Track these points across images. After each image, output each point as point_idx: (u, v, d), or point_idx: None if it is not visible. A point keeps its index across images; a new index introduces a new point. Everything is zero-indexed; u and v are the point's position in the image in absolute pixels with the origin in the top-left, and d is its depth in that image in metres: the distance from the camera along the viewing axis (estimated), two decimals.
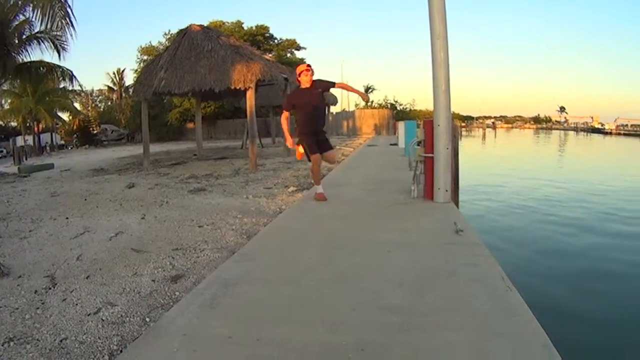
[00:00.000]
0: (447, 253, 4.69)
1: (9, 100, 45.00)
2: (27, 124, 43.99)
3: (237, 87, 15.20)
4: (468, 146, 46.12)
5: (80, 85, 45.49)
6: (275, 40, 51.35)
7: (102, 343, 3.35)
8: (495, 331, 3.02)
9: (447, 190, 7.26)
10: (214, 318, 3.31)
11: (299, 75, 7.97)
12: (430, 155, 7.29)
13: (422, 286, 3.80)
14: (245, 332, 3.06)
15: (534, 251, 9.84)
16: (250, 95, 15.29)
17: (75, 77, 22.41)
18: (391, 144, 22.32)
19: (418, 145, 7.82)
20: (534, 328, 3.06)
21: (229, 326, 3.15)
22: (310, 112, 8.05)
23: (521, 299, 3.46)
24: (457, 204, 8.35)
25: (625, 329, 6.47)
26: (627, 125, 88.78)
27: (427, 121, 7.63)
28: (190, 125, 42.66)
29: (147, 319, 3.70)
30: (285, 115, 8.28)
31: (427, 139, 7.40)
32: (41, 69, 21.94)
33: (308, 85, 7.92)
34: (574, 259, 9.38)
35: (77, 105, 50.18)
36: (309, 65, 8.05)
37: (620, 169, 26.27)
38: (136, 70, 44.20)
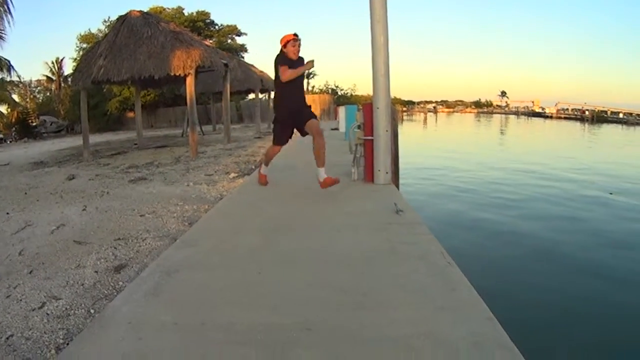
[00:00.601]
0: (388, 233, 4.81)
1: None
2: None
3: (177, 74, 14.98)
4: (409, 130, 46.68)
5: (19, 76, 44.03)
6: (216, 27, 50.70)
7: (48, 338, 3.32)
8: (438, 305, 3.13)
9: (387, 172, 7.39)
10: (159, 305, 3.31)
11: (285, 45, 7.10)
12: (370, 138, 7.40)
13: (364, 265, 3.89)
14: (190, 318, 3.07)
15: (471, 229, 10.13)
16: (190, 82, 15.11)
17: (13, 67, 21.67)
18: (332, 129, 22.43)
19: (358, 128, 7.91)
20: (475, 302, 3.18)
21: (173, 312, 3.16)
22: (300, 87, 7.47)
23: (461, 274, 3.59)
24: (397, 185, 8.51)
25: (558, 304, 6.81)
26: (567, 109, 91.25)
27: (366, 104, 7.71)
28: (130, 114, 41.75)
29: (92, 311, 3.69)
30: (286, 67, 6.93)
31: (367, 122, 7.50)
32: None
33: (295, 57, 7.14)
34: (509, 238, 9.72)
35: (15, 97, 48.51)
36: (295, 35, 7.17)
37: (556, 150, 27.03)
38: (75, 59, 42.97)
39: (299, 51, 7.16)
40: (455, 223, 10.78)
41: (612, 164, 23.27)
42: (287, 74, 6.84)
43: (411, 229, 4.93)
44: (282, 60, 7.00)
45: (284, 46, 7.11)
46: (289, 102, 7.28)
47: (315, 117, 7.34)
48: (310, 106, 7.64)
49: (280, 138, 7.58)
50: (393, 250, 4.22)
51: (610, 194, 14.57)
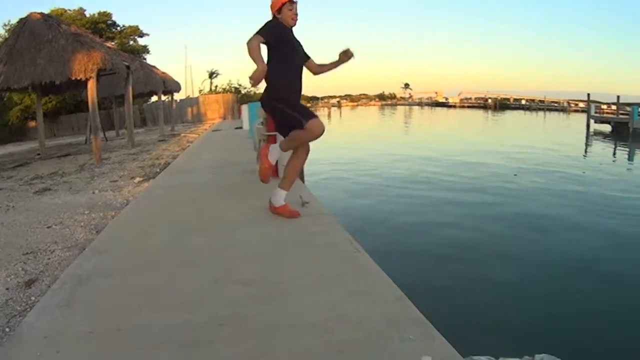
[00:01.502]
0: (295, 225, 4.92)
1: None
2: None
3: (78, 78, 14.46)
4: None
5: None
6: (118, 28, 49.43)
7: None
8: (350, 290, 3.25)
9: None
10: (73, 316, 3.26)
11: (280, 9, 5.18)
12: (273, 133, 7.44)
13: (274, 257, 3.99)
14: (105, 325, 3.06)
15: (382, 220, 10.35)
16: (91, 86, 14.66)
17: None
18: (236, 128, 22.41)
19: (261, 125, 7.93)
20: (385, 284, 3.32)
21: (88, 322, 3.13)
22: (299, 65, 5.42)
23: (370, 259, 3.73)
24: (302, 178, 8.60)
25: (468, 281, 7.27)
26: (470, 98, 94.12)
27: None
28: (32, 123, 40.13)
29: (7, 329, 3.60)
30: (259, 42, 4.75)
31: (269, 118, 7.54)
32: None
33: (293, 23, 5.28)
34: (419, 226, 10.04)
35: None
36: None
37: (460, 136, 27.87)
38: None
39: (297, 16, 5.24)
40: (365, 214, 10.96)
41: (513, 146, 24.34)
42: (255, 47, 4.67)
43: (318, 219, 5.06)
44: (273, 28, 5.01)
45: (278, 12, 5.19)
46: (291, 84, 5.28)
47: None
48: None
49: (305, 112, 5.14)
50: (301, 241, 4.32)
51: (515, 175, 15.21)
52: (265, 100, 5.28)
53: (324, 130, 4.90)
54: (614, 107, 44.64)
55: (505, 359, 4.71)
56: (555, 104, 73.52)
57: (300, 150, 5.23)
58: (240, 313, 3.05)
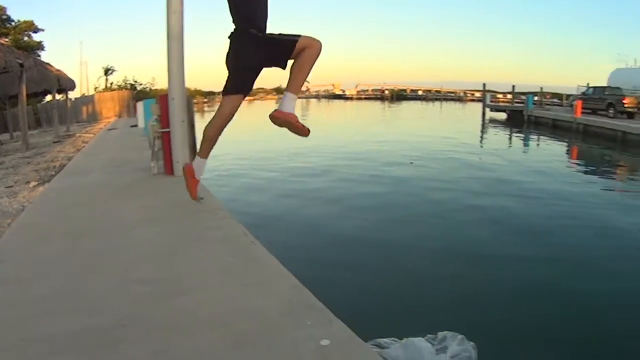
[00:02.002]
0: (191, 221, 4.95)
1: None
2: None
3: None
4: (207, 121, 46.31)
5: None
6: (12, 23, 46.85)
7: None
8: (247, 282, 3.30)
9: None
10: None
11: None
12: (167, 130, 7.35)
13: (171, 255, 4.01)
14: (8, 336, 2.97)
15: (274, 212, 10.35)
16: None
17: None
18: (132, 126, 21.83)
19: (155, 122, 7.81)
20: (282, 274, 3.40)
21: None
22: None
23: (266, 251, 3.79)
24: None
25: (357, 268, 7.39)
26: (367, 90, 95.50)
27: (162, 96, 7.66)
28: None
29: None
30: None
31: (163, 114, 7.44)
32: None
33: None
34: (317, 218, 10.11)
35: None
36: None
37: (356, 127, 28.28)
38: None
39: None
40: (263, 208, 10.88)
41: (410, 136, 25.00)
42: None
43: (213, 214, 5.08)
44: None
45: None
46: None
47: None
48: None
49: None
50: (198, 237, 4.35)
51: (411, 162, 15.61)
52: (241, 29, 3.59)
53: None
54: (509, 96, 46.72)
55: (409, 339, 4.87)
56: (452, 94, 76.06)
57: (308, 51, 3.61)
58: (142, 312, 3.07)
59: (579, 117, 31.66)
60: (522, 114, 38.13)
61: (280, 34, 3.55)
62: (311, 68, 3.69)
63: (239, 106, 3.64)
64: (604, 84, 38.28)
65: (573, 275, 7.74)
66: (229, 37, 3.60)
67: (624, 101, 32.31)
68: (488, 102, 44.71)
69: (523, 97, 41.73)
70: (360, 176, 14.47)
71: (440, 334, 5.04)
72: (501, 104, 47.28)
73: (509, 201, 12.12)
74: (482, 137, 29.88)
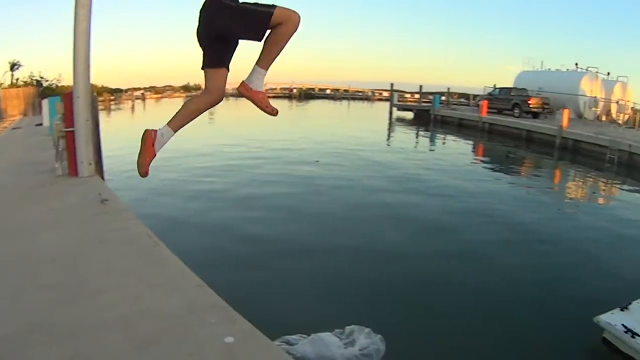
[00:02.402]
0: (95, 223, 4.86)
1: None
2: None
3: None
4: (116, 119, 44.88)
5: None
6: None
7: None
8: (151, 283, 3.30)
9: (90, 164, 7.24)
10: None
11: None
12: (71, 129, 7.16)
13: (75, 258, 3.95)
14: None
15: (178, 216, 10.23)
16: None
17: None
18: (37, 125, 21.01)
19: (59, 121, 7.58)
20: (185, 274, 3.41)
21: None
22: None
23: (169, 252, 3.80)
24: (102, 176, 8.33)
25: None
26: (276, 88, 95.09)
27: (67, 94, 7.40)
28: None
29: None
30: None
31: (67, 113, 7.22)
32: None
33: None
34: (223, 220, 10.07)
35: None
36: None
37: (267, 128, 28.03)
38: None
39: None
40: (168, 209, 10.71)
41: (317, 134, 25.17)
42: None
43: (118, 216, 5.03)
44: None
45: None
46: None
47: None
48: None
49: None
50: (102, 239, 4.30)
51: (317, 161, 15.73)
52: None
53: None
54: (417, 95, 47.87)
55: (317, 335, 4.97)
56: (360, 93, 77.08)
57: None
58: (48, 318, 3.00)
59: (485, 116, 32.95)
60: (429, 113, 39.30)
61: (255, 4, 3.15)
62: (286, 43, 3.32)
63: (223, 83, 3.33)
64: (511, 86, 40.01)
65: (475, 268, 8.16)
66: (200, 10, 3.23)
67: (529, 102, 34.09)
68: (395, 101, 45.75)
69: (431, 97, 42.94)
70: (266, 176, 14.50)
71: (348, 328, 5.18)
72: (409, 103, 48.40)
73: (414, 198, 12.54)
74: (389, 135, 30.54)
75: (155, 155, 3.35)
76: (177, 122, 3.35)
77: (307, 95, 78.87)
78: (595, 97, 40.54)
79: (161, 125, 3.17)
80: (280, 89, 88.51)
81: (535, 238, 10.17)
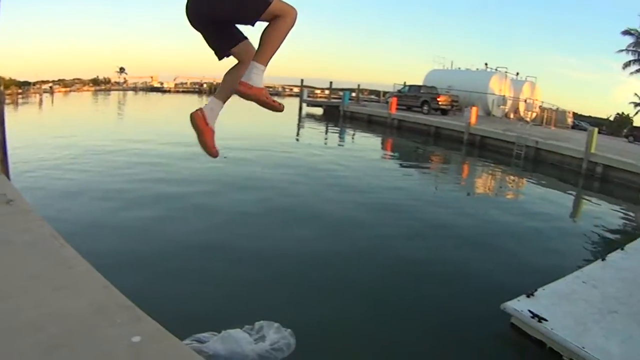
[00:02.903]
0: None
1: None
2: None
3: None
4: (24, 114, 43.20)
5: None
6: None
7: None
8: (57, 285, 3.28)
9: None
10: None
11: None
12: None
13: None
14: None
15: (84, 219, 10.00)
16: None
17: None
18: None
19: None
20: (91, 275, 3.42)
21: None
22: None
23: (76, 253, 3.78)
24: (7, 174, 8.07)
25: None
26: (186, 83, 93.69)
27: None
28: None
29: None
30: None
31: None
32: None
33: None
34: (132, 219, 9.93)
35: None
36: None
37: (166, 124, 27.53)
38: None
39: None
40: (74, 210, 10.43)
41: (226, 129, 24.74)
42: None
43: (22, 217, 4.90)
44: None
45: None
46: None
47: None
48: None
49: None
50: (7, 241, 4.18)
51: (225, 157, 15.55)
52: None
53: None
54: (327, 92, 48.32)
55: (227, 332, 5.05)
56: (270, 89, 76.95)
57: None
58: None
59: (394, 113, 33.71)
60: (339, 109, 39.86)
61: None
62: (284, 39, 3.15)
63: (252, 49, 3.14)
64: (421, 83, 41.04)
65: (384, 263, 8.44)
66: None
67: (438, 99, 35.17)
68: (305, 97, 46.07)
69: (341, 93, 43.59)
70: (173, 174, 14.30)
71: (257, 324, 5.29)
72: (319, 99, 48.96)
73: (323, 193, 12.74)
74: (298, 131, 30.72)
75: (213, 131, 3.30)
76: (223, 94, 3.33)
77: (216, 89, 78.19)
78: (504, 95, 42.31)
79: (210, 100, 3.26)
80: (191, 83, 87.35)
81: (443, 232, 10.59)
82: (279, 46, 3.08)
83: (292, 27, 3.07)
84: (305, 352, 5.19)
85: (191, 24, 3.11)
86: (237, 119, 26.57)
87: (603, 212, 15.58)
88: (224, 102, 3.31)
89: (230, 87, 3.23)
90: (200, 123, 3.20)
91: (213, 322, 5.34)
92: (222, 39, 3.14)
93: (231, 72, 3.29)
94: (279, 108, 3.09)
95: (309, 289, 7.02)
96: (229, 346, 4.90)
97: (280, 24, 2.97)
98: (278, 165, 16.26)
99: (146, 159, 16.40)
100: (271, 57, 3.08)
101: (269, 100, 3.05)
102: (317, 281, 7.34)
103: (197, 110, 3.18)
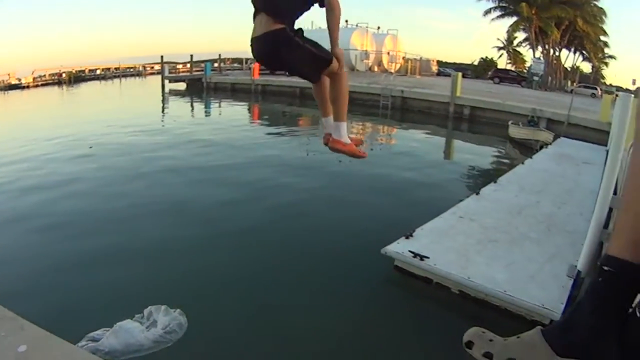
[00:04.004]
0: None
1: None
2: None
3: None
4: None
5: None
6: None
7: None
8: None
9: None
10: None
11: None
12: None
13: None
14: None
15: None
16: None
17: None
18: None
19: None
20: None
21: None
22: None
23: None
24: None
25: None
26: (44, 75, 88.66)
27: None
28: None
29: None
30: None
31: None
32: None
33: None
34: None
35: None
36: None
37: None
38: None
39: None
40: None
41: (89, 118, 23.67)
42: None
43: None
44: None
45: None
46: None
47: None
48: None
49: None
50: None
51: (90, 147, 14.82)
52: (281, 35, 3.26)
53: None
54: (188, 65, 47.36)
55: (118, 325, 4.95)
56: (131, 69, 74.28)
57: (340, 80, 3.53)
58: None
59: (257, 78, 33.68)
60: (201, 81, 39.31)
61: (317, 46, 3.33)
62: (347, 93, 3.52)
63: (341, 55, 3.33)
64: None
65: (267, 225, 8.50)
66: (267, 33, 3.17)
67: None
68: (167, 73, 45.00)
69: (203, 65, 42.84)
70: (31, 171, 13.28)
71: (146, 311, 5.22)
72: (181, 74, 47.96)
73: (191, 167, 12.51)
74: (163, 108, 29.83)
75: (353, 143, 3.61)
76: (327, 109, 3.58)
77: (77, 78, 74.49)
78: (366, 50, 43.13)
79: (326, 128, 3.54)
80: (49, 75, 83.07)
81: (322, 187, 10.76)
82: (346, 101, 3.46)
83: (346, 79, 3.43)
84: (198, 325, 5.19)
85: (263, 60, 3.40)
86: (101, 107, 25.78)
87: (474, 150, 16.44)
88: (332, 114, 3.56)
89: (326, 101, 3.54)
90: (339, 146, 3.50)
91: (104, 317, 5.18)
92: (309, 74, 3.38)
93: (320, 90, 3.53)
94: (364, 156, 3.59)
95: (188, 267, 6.92)
96: (123, 339, 4.81)
97: (337, 86, 3.37)
98: (144, 148, 15.34)
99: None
100: (346, 111, 3.46)
101: (359, 152, 3.57)
102: (195, 255, 7.29)
103: (325, 139, 3.56)
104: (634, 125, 1.30)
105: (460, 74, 24.16)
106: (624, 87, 49.27)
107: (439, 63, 60.58)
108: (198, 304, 5.67)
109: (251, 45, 3.20)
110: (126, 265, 6.93)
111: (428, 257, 6.28)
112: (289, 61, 3.28)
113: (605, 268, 1.19)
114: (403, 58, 47.76)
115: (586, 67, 66.54)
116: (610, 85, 54.56)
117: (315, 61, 3.26)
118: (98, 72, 76.86)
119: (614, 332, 1.15)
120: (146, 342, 4.82)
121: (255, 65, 34.77)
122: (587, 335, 1.17)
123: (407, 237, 6.90)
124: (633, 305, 1.15)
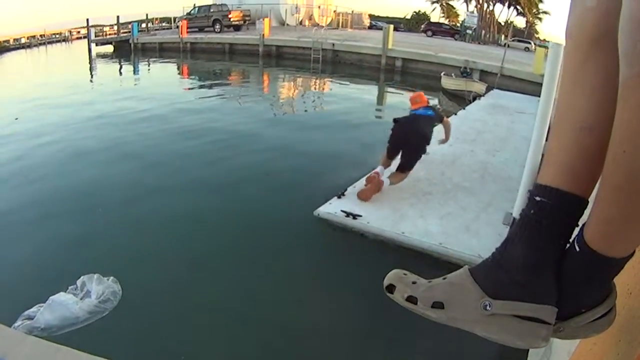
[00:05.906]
0: None
1: None
2: None
3: None
4: None
5: None
6: None
7: None
8: None
9: None
10: None
11: None
12: None
13: None
14: None
15: None
16: None
17: None
18: None
19: None
20: None
21: None
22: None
23: None
24: None
25: None
26: None
27: None
28: None
29: None
30: None
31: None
32: None
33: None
34: None
35: None
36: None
37: None
38: None
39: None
40: None
41: (13, 89, 22.70)
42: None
43: None
44: None
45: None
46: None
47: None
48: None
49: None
50: None
51: (16, 119, 14.21)
52: (421, 139, 7.39)
53: None
54: (116, 27, 45.93)
55: (51, 299, 4.84)
56: (57, 35, 71.58)
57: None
58: None
59: (185, 36, 33.16)
60: (129, 42, 38.37)
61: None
62: None
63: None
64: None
65: (198, 187, 8.44)
66: (414, 127, 7.44)
67: (229, 16, 34.82)
68: (93, 37, 43.48)
69: (130, 26, 41.71)
70: None
71: (79, 281, 5.12)
72: (108, 36, 46.46)
73: (126, 131, 12.17)
74: (91, 73, 28.84)
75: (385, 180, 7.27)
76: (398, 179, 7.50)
77: (2, 49, 71.59)
78: (297, 4, 42.63)
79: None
80: None
81: (251, 146, 10.67)
82: None
83: None
84: (132, 291, 5.14)
85: (398, 142, 7.45)
86: (28, 75, 24.83)
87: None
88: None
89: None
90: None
91: (39, 292, 4.99)
92: (413, 157, 7.34)
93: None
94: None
95: (118, 233, 6.78)
96: (58, 313, 4.72)
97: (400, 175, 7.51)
98: (67, 117, 14.61)
99: None
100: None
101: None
102: (125, 222, 7.17)
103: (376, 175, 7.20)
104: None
105: (392, 26, 24.19)
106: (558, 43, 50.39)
107: (372, 17, 60.44)
108: (130, 271, 5.62)
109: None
110: (56, 235, 6.71)
111: (361, 215, 6.31)
112: (413, 151, 7.38)
113: (537, 198, 1.05)
114: (334, 12, 47.45)
115: (520, 22, 67.56)
116: (545, 40, 55.45)
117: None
118: (23, 40, 73.76)
119: (550, 269, 1.03)
120: (82, 314, 4.77)
121: (183, 23, 34.18)
122: (520, 274, 1.04)
123: (339, 197, 6.92)
124: (570, 239, 1.05)
